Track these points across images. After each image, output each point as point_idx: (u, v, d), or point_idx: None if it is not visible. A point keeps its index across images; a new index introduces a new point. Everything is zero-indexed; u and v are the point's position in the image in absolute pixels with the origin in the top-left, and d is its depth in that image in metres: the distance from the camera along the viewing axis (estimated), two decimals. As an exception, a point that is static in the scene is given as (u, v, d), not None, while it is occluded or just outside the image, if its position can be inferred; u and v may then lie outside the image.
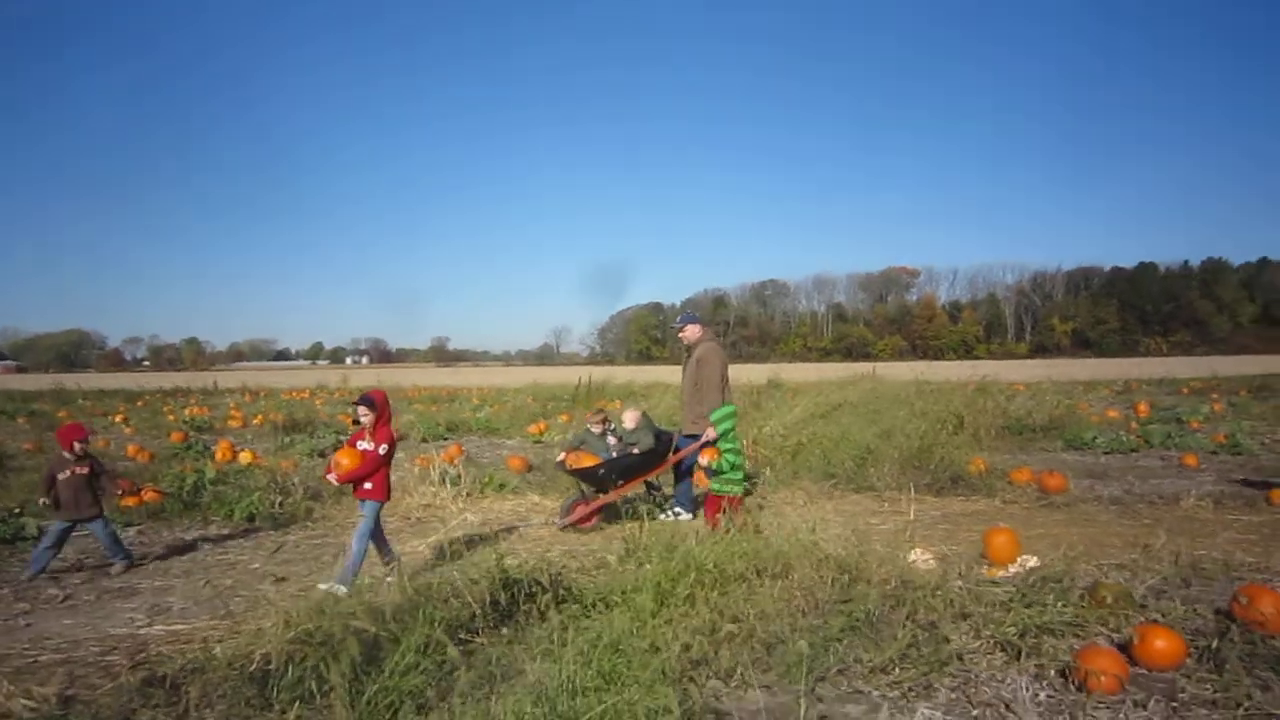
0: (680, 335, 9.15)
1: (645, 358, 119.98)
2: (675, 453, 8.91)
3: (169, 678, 4.40)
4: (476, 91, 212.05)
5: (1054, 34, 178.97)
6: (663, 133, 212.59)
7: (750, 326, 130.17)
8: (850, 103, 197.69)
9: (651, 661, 4.15)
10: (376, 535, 6.65)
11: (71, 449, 7.16)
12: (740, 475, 7.78)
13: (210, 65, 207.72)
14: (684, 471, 9.07)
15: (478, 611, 5.03)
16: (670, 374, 33.56)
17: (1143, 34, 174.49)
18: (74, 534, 7.28)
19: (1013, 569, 6.62)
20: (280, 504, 9.25)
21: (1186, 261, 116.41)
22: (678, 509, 8.93)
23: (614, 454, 8.90)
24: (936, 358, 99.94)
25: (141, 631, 5.54)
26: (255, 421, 22.15)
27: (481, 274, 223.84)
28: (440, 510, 9.45)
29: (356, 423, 6.65)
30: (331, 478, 6.57)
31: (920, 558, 6.58)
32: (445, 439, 17.37)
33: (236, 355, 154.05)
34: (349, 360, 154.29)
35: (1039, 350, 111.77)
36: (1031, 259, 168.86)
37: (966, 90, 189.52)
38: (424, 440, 17.27)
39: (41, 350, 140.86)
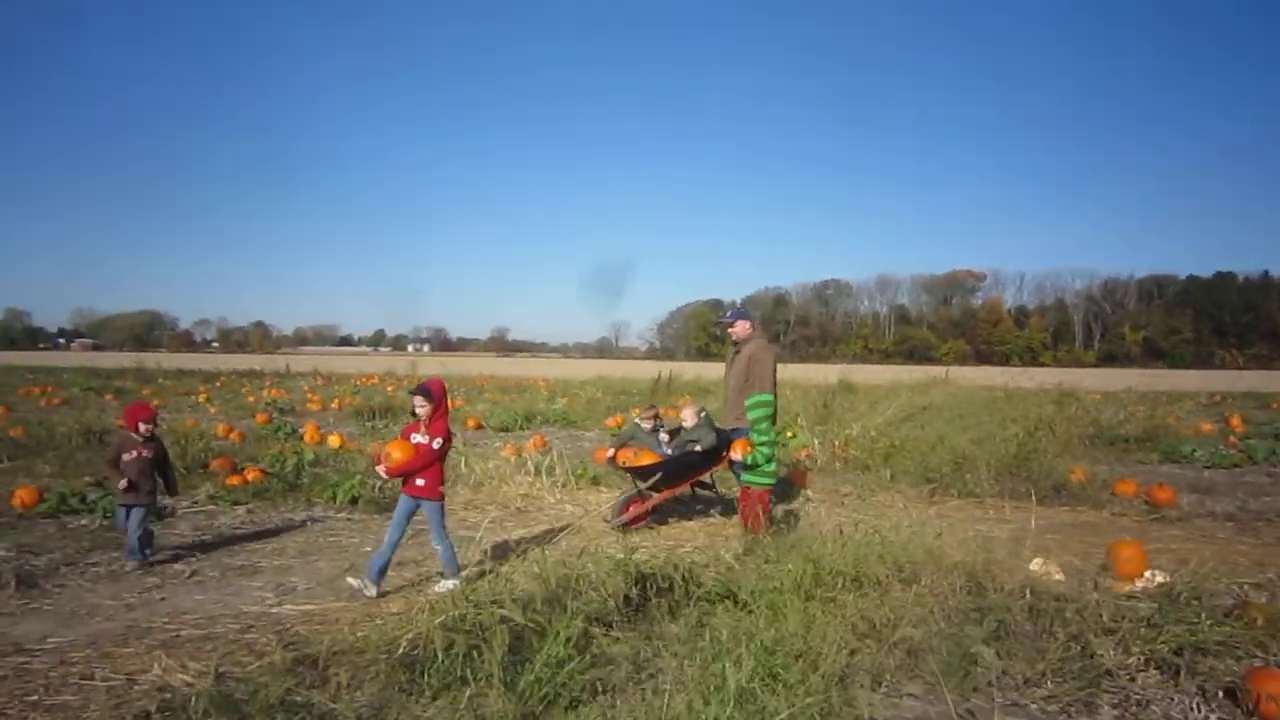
0: (730, 330, 8.67)
1: (704, 354, 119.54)
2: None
3: (318, 658, 4.43)
4: (550, 75, 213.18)
5: (1130, 37, 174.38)
6: (725, 130, 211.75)
7: (811, 326, 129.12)
8: (918, 99, 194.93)
9: (813, 665, 4.07)
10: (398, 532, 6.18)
11: (137, 429, 6.79)
12: (773, 468, 7.58)
13: (273, 55, 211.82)
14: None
15: (614, 605, 5.00)
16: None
17: (1221, 36, 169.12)
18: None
19: (1140, 583, 6.42)
20: (379, 488, 9.32)
21: (1267, 271, 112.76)
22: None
23: (668, 450, 8.71)
24: (1001, 363, 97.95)
25: (274, 610, 5.59)
26: (333, 405, 22.50)
27: (544, 265, 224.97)
28: (538, 500, 9.45)
29: (413, 413, 6.25)
30: (380, 470, 6.20)
31: (1043, 568, 6.41)
32: (524, 429, 17.44)
33: (301, 340, 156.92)
34: (410, 349, 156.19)
35: (1108, 359, 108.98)
36: (1103, 265, 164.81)
37: (1040, 90, 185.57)
38: (503, 429, 17.37)
39: (116, 330, 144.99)
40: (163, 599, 5.79)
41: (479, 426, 17.79)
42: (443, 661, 4.21)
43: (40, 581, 6.08)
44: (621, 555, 5.40)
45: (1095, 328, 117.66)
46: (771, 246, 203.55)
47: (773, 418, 7.68)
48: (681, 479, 8.44)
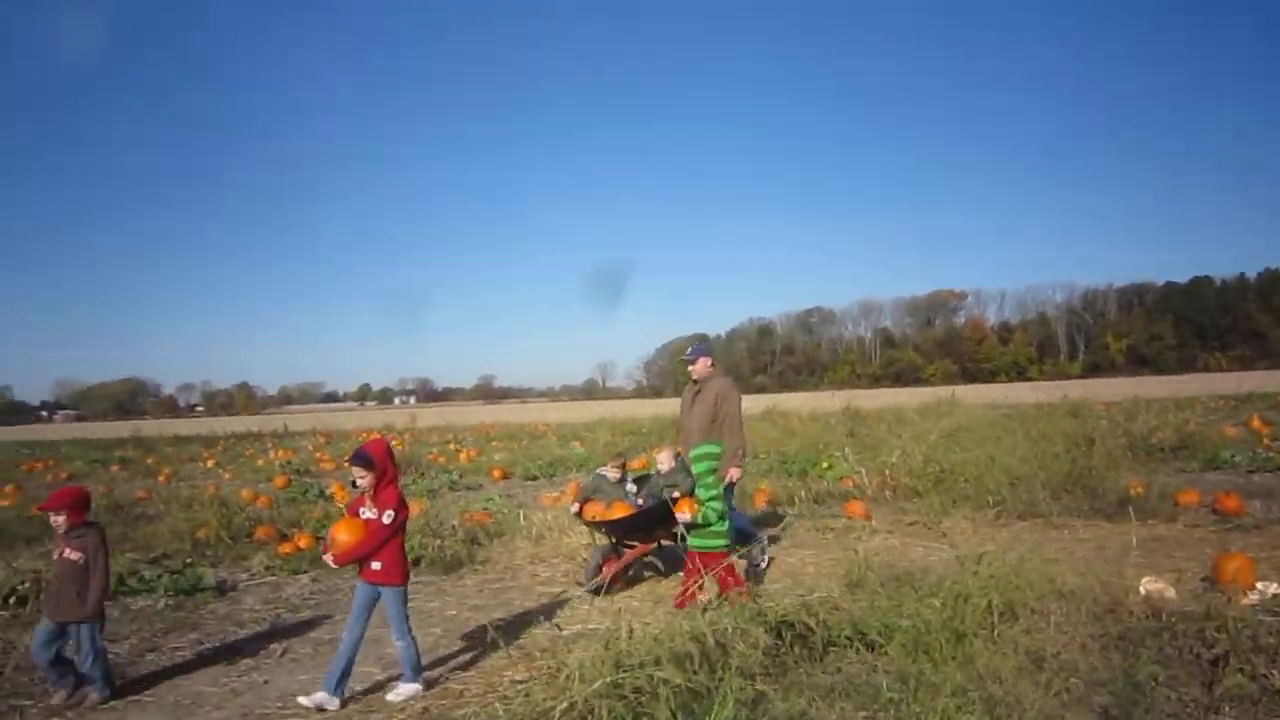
0: (690, 368, 8.20)
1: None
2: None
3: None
4: (503, 127, 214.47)
5: (1095, 38, 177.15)
6: (701, 161, 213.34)
7: (797, 354, 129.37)
8: (887, 124, 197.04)
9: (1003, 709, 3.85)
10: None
11: (58, 521, 5.35)
12: (725, 527, 6.42)
13: (251, 106, 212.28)
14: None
15: (759, 657, 4.77)
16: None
17: (1189, 36, 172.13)
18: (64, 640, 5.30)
19: (1253, 595, 6.24)
20: (440, 547, 9.04)
21: (1243, 274, 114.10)
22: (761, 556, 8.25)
23: (638, 500, 7.99)
24: (988, 380, 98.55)
25: (391, 685, 5.30)
26: (346, 464, 22.12)
27: (524, 309, 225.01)
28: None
29: (354, 484, 5.29)
30: (327, 558, 5.26)
31: (1155, 586, 6.23)
32: (552, 476, 17.18)
33: (286, 399, 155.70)
34: (397, 400, 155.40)
35: (1093, 370, 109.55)
36: (1081, 277, 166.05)
37: (1009, 104, 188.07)
38: (530, 478, 17.10)
39: (99, 399, 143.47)
40: (265, 681, 5.50)
41: (505, 477, 17.51)
42: (608, 732, 3.98)
43: (126, 671, 5.77)
44: (754, 604, 5.17)
45: (1079, 339, 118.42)
46: (754, 278, 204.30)
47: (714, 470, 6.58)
48: (658, 529, 7.49)
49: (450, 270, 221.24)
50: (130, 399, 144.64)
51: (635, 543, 7.66)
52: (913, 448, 13.59)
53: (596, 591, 7.22)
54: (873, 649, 5.16)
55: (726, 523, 6.44)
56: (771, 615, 5.06)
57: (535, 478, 17.14)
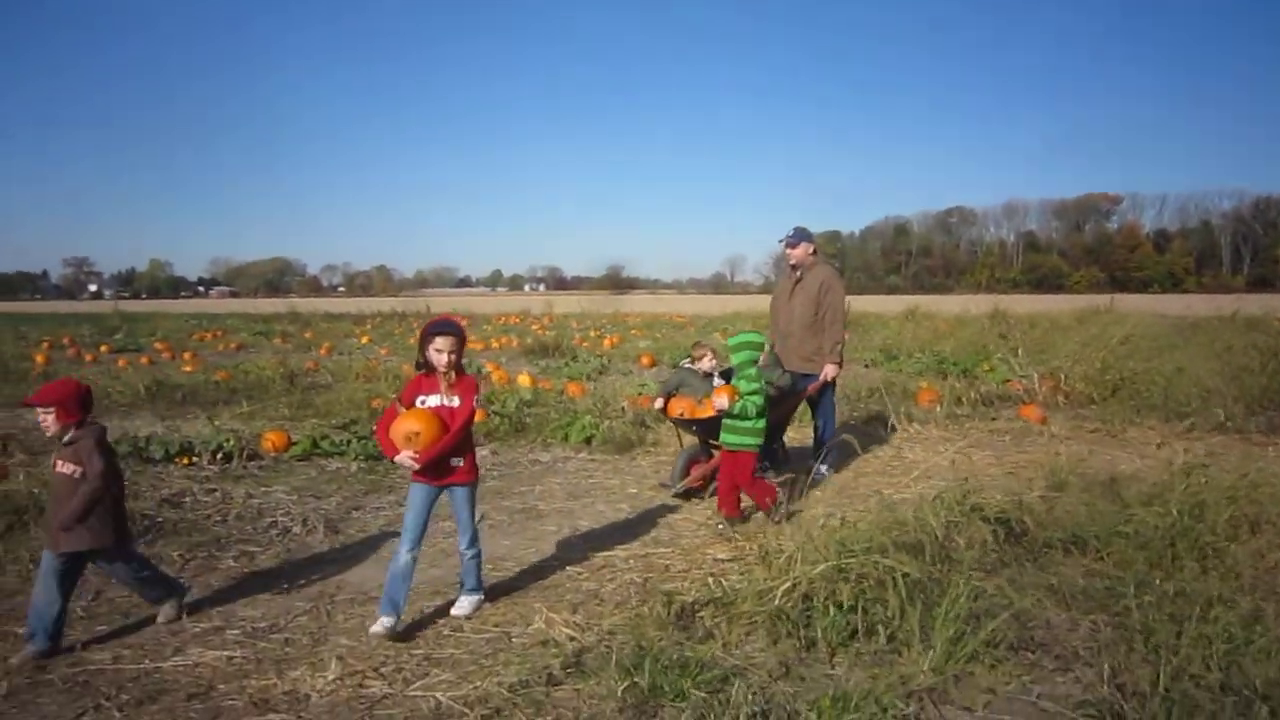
0: (789, 252, 7.62)
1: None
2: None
3: (689, 609, 4.20)
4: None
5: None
6: (842, 48, 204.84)
7: (934, 256, 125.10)
8: (1040, 11, 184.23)
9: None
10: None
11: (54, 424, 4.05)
12: (761, 425, 5.94)
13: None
14: (819, 413, 7.82)
15: (976, 553, 4.64)
16: (869, 303, 32.33)
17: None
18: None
19: None
20: (610, 428, 9.13)
21: None
22: (822, 466, 7.40)
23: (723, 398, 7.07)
24: (1139, 290, 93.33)
25: (594, 555, 5.40)
26: (494, 345, 22.67)
27: (653, 199, 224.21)
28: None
29: (421, 365, 4.35)
30: (407, 459, 4.15)
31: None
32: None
33: (422, 282, 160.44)
34: (526, 288, 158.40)
35: (1259, 284, 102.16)
36: (1254, 184, 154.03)
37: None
38: (676, 365, 17.11)
39: (250, 277, 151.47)
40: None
41: (654, 364, 17.60)
42: (834, 615, 3.93)
43: (341, 527, 6.06)
44: (968, 499, 5.01)
45: (1245, 250, 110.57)
46: (892, 174, 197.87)
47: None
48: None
49: (581, 157, 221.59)
50: (278, 277, 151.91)
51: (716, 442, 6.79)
52: (1087, 353, 12.95)
53: (685, 496, 6.76)
54: (1087, 553, 4.97)
55: (763, 422, 5.95)
56: (989, 510, 4.90)
57: (679, 364, 17.13)
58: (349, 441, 8.51)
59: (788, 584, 4.14)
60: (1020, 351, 13.35)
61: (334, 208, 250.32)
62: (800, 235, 7.55)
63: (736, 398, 5.85)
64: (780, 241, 7.69)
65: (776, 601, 4.09)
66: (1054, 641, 3.90)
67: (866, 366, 16.49)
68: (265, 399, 11.80)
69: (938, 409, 10.62)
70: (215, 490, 6.89)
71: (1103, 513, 5.29)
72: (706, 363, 6.99)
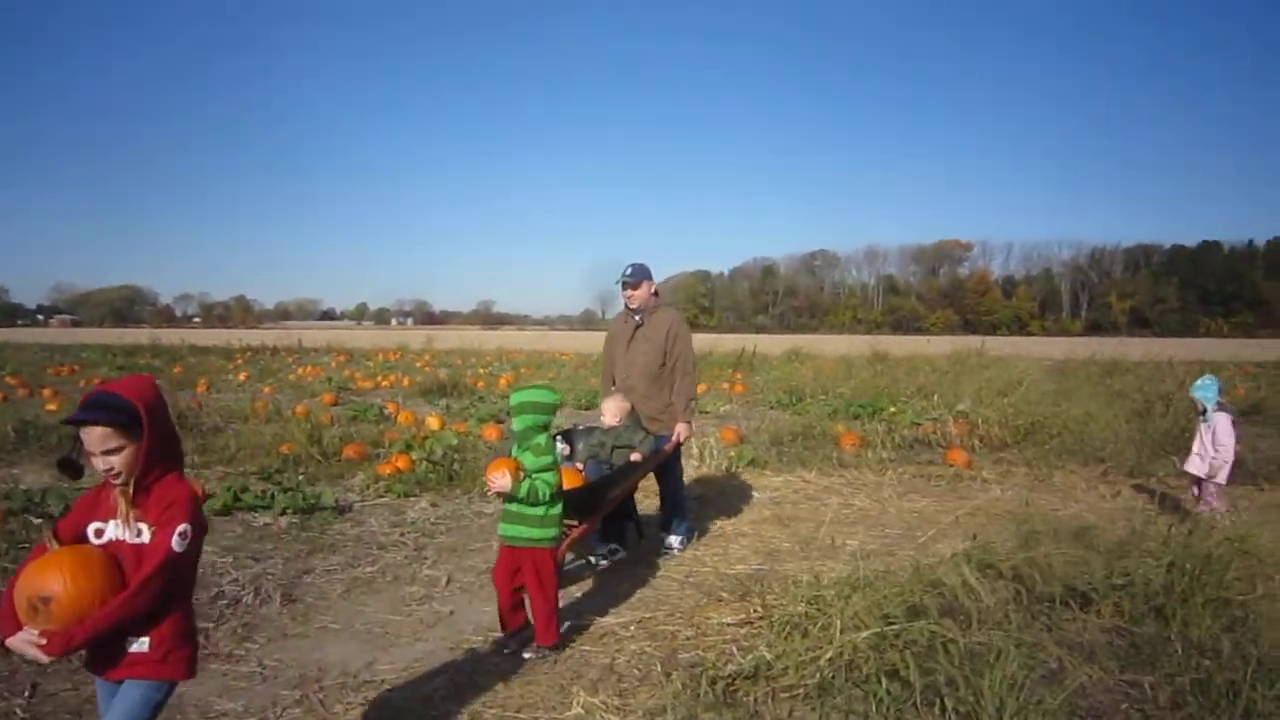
0: (629, 294, 6.51)
1: (693, 324, 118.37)
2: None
3: (723, 680, 3.93)
4: (512, 60, 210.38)
5: (1117, 9, 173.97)
6: (714, 100, 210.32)
7: (799, 297, 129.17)
8: (904, 69, 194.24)
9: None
10: None
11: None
12: (557, 512, 4.54)
13: (256, 41, 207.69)
14: (668, 480, 6.77)
15: (1002, 614, 4.54)
16: (740, 342, 32.66)
17: (1208, 8, 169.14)
18: None
19: None
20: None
21: (1251, 240, 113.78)
22: (673, 539, 6.65)
23: (576, 465, 6.08)
24: (989, 333, 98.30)
25: (575, 623, 5.06)
26: (384, 383, 21.84)
27: (528, 236, 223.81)
28: (713, 486, 8.95)
29: (68, 465, 2.52)
30: (28, 647, 2.32)
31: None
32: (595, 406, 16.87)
33: (283, 314, 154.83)
34: (394, 321, 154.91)
35: (1094, 328, 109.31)
36: (1090, 235, 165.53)
37: (1023, 59, 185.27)
38: (587, 408, 16.81)
39: (95, 305, 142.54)
40: (451, 612, 5.22)
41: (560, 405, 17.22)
42: (886, 688, 3.74)
43: (297, 595, 5.51)
44: (974, 554, 4.93)
45: (1082, 297, 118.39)
46: (760, 218, 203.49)
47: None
48: (606, 503, 5.79)
49: (450, 192, 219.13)
50: (128, 306, 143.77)
51: (573, 521, 5.39)
52: (987, 397, 13.41)
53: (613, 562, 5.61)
54: (1089, 608, 4.95)
55: (557, 509, 4.52)
56: (1003, 566, 4.83)
57: (587, 407, 16.83)
58: (273, 494, 7.87)
59: (830, 654, 3.94)
60: (936, 397, 13.65)
61: (187, 234, 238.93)
62: (640, 273, 6.51)
63: (520, 475, 4.37)
64: (616, 282, 6.54)
65: (819, 674, 3.88)
66: (1109, 709, 3.81)
67: (772, 408, 16.59)
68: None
69: (867, 454, 10.70)
70: (137, 552, 6.20)
71: (1087, 565, 5.29)
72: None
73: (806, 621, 4.22)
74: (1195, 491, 7.43)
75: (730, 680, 3.95)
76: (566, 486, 4.96)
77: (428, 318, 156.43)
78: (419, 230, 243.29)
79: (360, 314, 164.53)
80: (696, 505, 8.16)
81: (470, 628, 4.93)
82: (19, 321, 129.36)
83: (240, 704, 3.94)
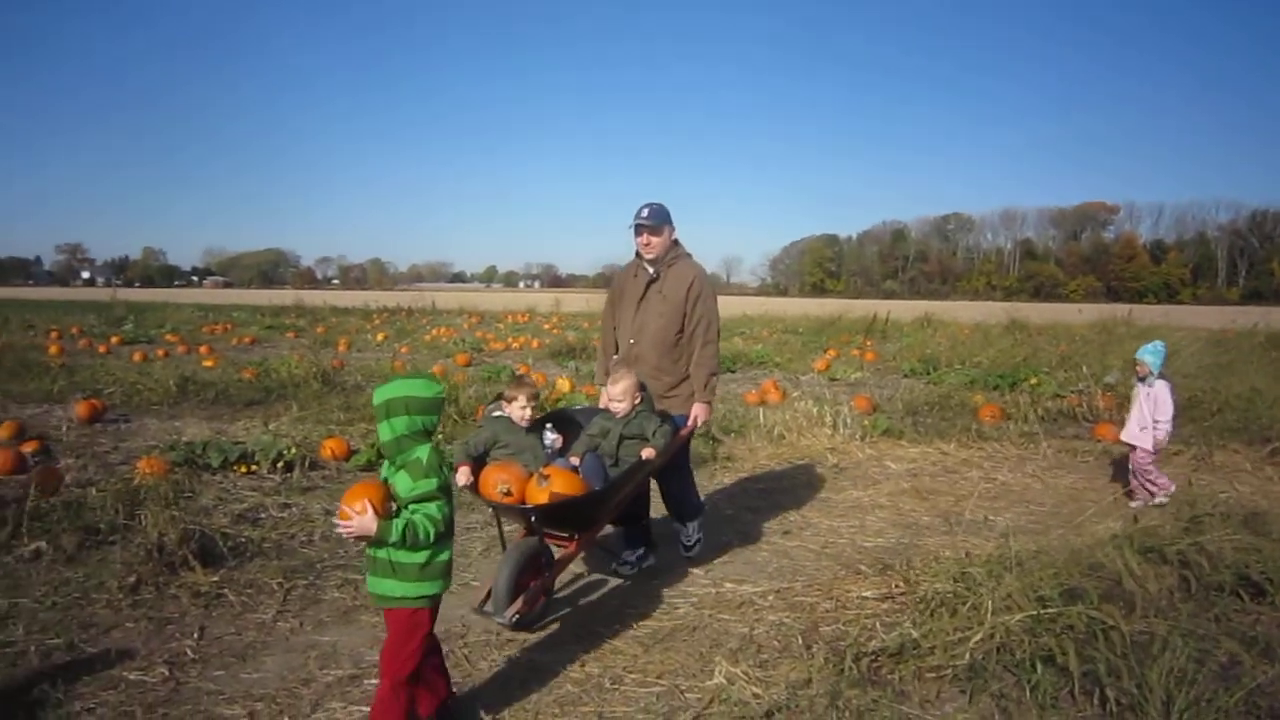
0: (646, 240, 5.20)
1: (819, 290, 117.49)
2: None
3: (869, 658, 3.83)
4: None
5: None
6: (845, 56, 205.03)
7: (930, 262, 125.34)
8: (1044, 19, 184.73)
9: None
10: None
11: None
12: (445, 558, 3.13)
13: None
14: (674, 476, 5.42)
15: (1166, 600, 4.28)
16: (870, 308, 31.71)
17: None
18: None
19: None
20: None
21: None
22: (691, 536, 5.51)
23: (571, 460, 4.78)
24: (1134, 301, 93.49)
25: (713, 591, 5.03)
26: (514, 345, 22.27)
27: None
28: (850, 455, 8.76)
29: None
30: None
31: None
32: (732, 371, 16.80)
33: (416, 276, 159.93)
34: (521, 284, 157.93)
35: (1253, 296, 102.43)
36: (1250, 197, 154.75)
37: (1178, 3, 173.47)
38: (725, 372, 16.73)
39: (244, 267, 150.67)
40: (590, 571, 5.29)
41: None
42: (1041, 674, 3.58)
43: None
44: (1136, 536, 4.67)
45: (1240, 263, 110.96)
46: (890, 179, 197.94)
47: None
48: (608, 513, 4.78)
49: (575, 155, 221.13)
50: (272, 268, 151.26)
51: (564, 533, 4.62)
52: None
53: (519, 625, 4.23)
54: (1260, 598, 4.62)
55: (446, 553, 3.13)
56: (1168, 551, 4.55)
57: (726, 371, 16.80)
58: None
59: (980, 634, 3.79)
60: (1085, 369, 13.01)
61: (328, 200, 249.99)
62: (659, 215, 5.20)
63: (391, 508, 3.02)
64: (629, 225, 5.22)
65: (968, 655, 3.74)
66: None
67: (905, 377, 16.14)
68: (301, 400, 11.37)
69: (1009, 426, 10.28)
70: (290, 506, 6.50)
71: (1260, 552, 4.93)
72: (518, 408, 4.67)
73: (955, 600, 4.07)
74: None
75: (874, 657, 3.85)
76: (559, 489, 4.27)
77: (554, 280, 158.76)
78: (544, 195, 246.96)
79: (489, 276, 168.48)
80: (832, 475, 8.02)
81: (642, 593, 4.95)
82: (176, 283, 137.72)
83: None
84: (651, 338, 5.17)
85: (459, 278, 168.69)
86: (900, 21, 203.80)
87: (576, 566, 5.33)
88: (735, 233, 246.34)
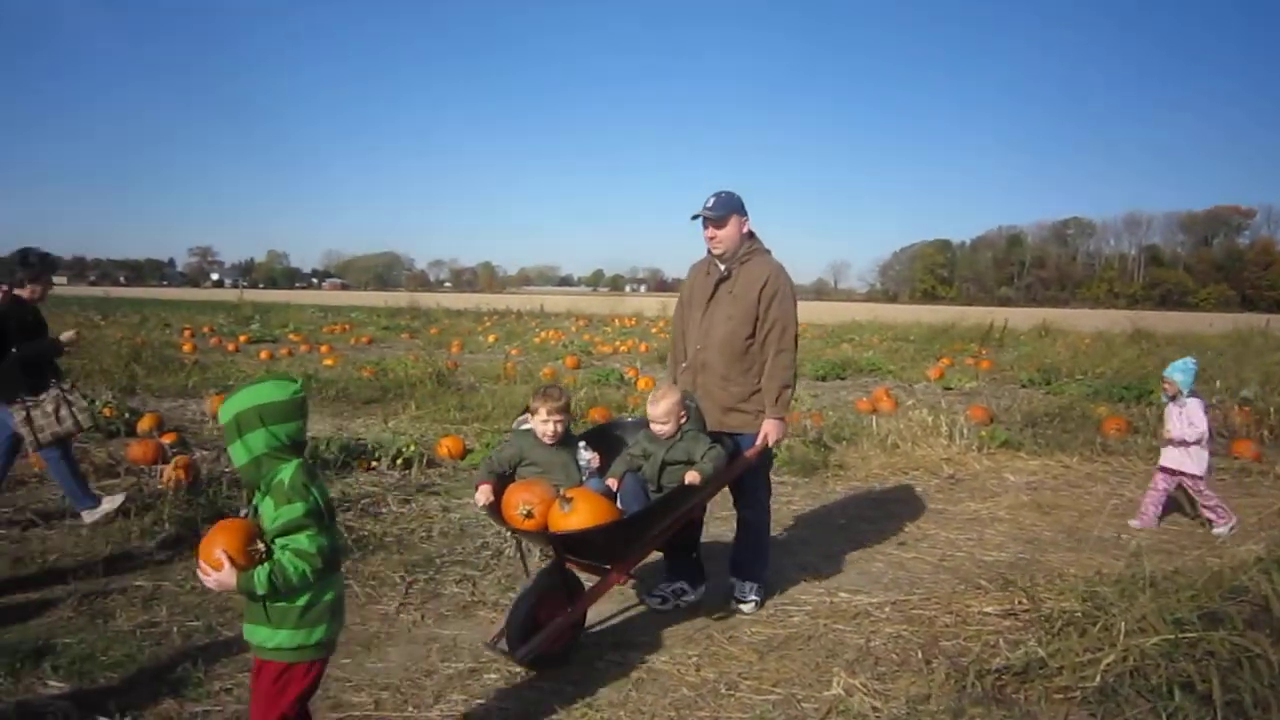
0: (713, 234, 4.65)
1: (930, 297, 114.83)
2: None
3: (995, 677, 3.72)
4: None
5: None
6: (957, 47, 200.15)
7: (1048, 268, 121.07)
8: (1168, 10, 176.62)
9: None
10: None
11: None
12: (331, 599, 2.59)
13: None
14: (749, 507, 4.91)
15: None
16: (985, 315, 30.49)
17: None
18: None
19: None
20: (787, 447, 8.67)
21: None
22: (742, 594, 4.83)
23: (608, 482, 4.33)
24: (1272, 310, 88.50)
25: (828, 601, 4.96)
26: (622, 349, 22.42)
27: (757, 203, 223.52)
28: (966, 466, 8.52)
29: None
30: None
31: None
32: (841, 379, 16.57)
33: (525, 280, 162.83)
34: (627, 289, 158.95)
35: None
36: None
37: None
38: (819, 378, 16.54)
39: (360, 270, 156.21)
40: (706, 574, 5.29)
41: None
42: (1180, 701, 3.41)
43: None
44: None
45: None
46: (1007, 182, 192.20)
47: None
48: (646, 542, 4.28)
49: (680, 159, 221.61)
50: (387, 271, 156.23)
51: (599, 563, 4.14)
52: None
53: (534, 663, 3.87)
54: None
55: (330, 592, 2.60)
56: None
57: (824, 377, 16.56)
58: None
59: (1112, 656, 3.64)
60: (1219, 383, 12.39)
61: (439, 206, 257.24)
62: (726, 205, 4.63)
63: (258, 549, 2.50)
64: (695, 216, 4.66)
65: (1100, 677, 3.60)
66: None
67: (1023, 387, 15.62)
68: (417, 399, 11.69)
69: (1135, 440, 9.84)
70: (409, 502, 6.69)
71: None
72: (540, 421, 4.21)
73: (1084, 620, 3.92)
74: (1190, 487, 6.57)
75: (998, 675, 3.74)
76: (582, 513, 3.78)
77: (660, 284, 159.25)
78: (651, 200, 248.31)
79: (596, 280, 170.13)
80: (948, 486, 7.83)
81: (723, 594, 4.94)
82: (297, 284, 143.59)
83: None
84: (719, 342, 4.64)
85: (566, 281, 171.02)
86: (1015, 15, 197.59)
87: (710, 564, 5.33)
88: (843, 238, 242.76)
